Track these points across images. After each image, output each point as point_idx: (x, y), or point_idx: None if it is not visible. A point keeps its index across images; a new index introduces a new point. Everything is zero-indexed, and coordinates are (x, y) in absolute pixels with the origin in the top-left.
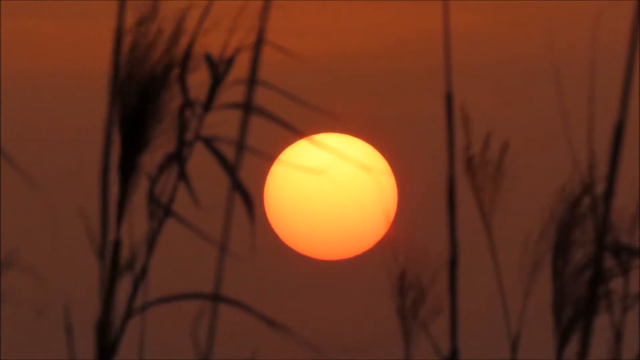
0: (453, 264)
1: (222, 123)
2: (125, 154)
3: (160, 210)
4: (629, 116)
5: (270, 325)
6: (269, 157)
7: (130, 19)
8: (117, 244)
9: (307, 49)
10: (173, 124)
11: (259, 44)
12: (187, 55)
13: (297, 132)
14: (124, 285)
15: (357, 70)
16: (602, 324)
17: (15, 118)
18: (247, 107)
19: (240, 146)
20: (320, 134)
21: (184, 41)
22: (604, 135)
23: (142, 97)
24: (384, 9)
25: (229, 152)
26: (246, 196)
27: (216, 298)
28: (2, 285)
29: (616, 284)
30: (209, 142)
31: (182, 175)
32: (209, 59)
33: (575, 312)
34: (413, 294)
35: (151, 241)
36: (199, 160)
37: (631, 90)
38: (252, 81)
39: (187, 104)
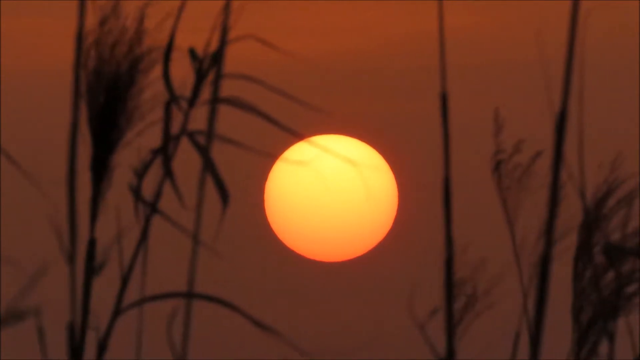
0: (449, 264)
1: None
2: (97, 154)
3: (147, 208)
4: (570, 106)
5: (259, 327)
6: (269, 157)
7: (93, 19)
8: (92, 244)
9: (305, 49)
10: (158, 119)
11: (223, 41)
12: (169, 50)
13: (295, 133)
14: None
15: (355, 70)
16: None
17: (15, 117)
18: (234, 103)
19: (210, 137)
20: (320, 136)
21: (149, 38)
22: (600, 135)
23: (110, 96)
24: (381, 9)
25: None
26: (222, 188)
27: (206, 298)
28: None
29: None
30: (192, 137)
31: (168, 172)
32: (193, 53)
33: (595, 314)
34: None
35: (140, 239)
36: (185, 158)
37: (572, 81)
38: (217, 77)
39: (172, 99)
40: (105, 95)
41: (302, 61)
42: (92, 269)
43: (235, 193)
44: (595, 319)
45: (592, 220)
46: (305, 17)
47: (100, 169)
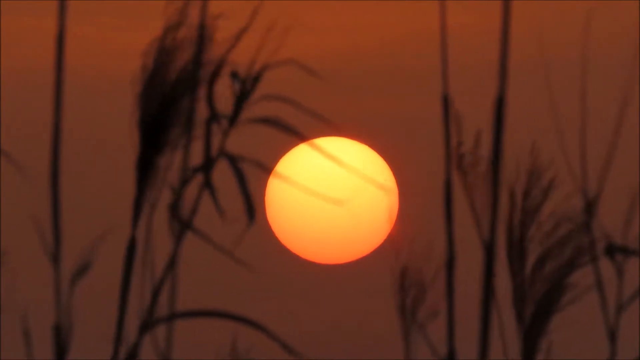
0: (450, 266)
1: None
2: (144, 154)
3: (182, 224)
4: (508, 91)
5: (278, 342)
6: (267, 169)
7: (159, 23)
8: (132, 244)
9: (302, 49)
10: (198, 136)
11: (201, 42)
12: (216, 70)
13: (300, 137)
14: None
15: (354, 70)
16: (599, 324)
17: (15, 116)
18: (267, 122)
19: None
20: (319, 138)
21: (212, 50)
22: (598, 134)
23: (165, 100)
24: (381, 9)
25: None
26: (251, 211)
27: (229, 316)
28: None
29: (612, 284)
30: (232, 159)
31: (209, 189)
32: (235, 75)
33: (537, 309)
34: (414, 291)
35: (173, 255)
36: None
37: (508, 65)
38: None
39: (214, 117)
40: (160, 98)
41: (301, 62)
42: (130, 270)
43: (236, 195)
44: (537, 314)
45: (523, 212)
46: (304, 17)
47: (146, 169)
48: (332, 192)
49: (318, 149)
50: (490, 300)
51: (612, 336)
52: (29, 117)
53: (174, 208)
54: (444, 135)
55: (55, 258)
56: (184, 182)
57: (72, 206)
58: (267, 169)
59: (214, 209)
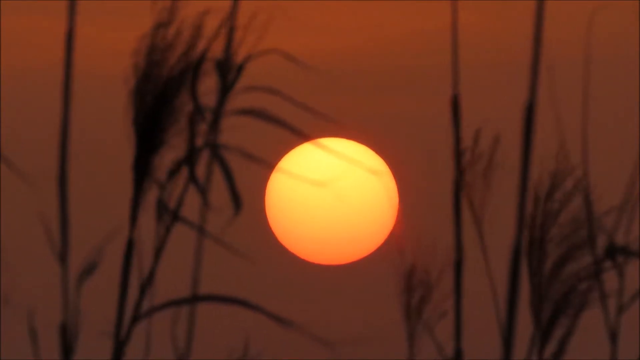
0: (458, 266)
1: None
2: (140, 154)
3: (169, 215)
4: (538, 98)
5: (280, 323)
6: (269, 165)
7: (149, 21)
8: (130, 244)
9: (305, 48)
10: (184, 129)
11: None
12: (200, 62)
13: (301, 134)
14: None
15: (355, 71)
16: (598, 323)
17: (15, 116)
18: (255, 114)
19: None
20: (318, 139)
21: (201, 46)
22: (599, 134)
23: (159, 99)
24: (383, 8)
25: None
26: (237, 197)
27: (229, 300)
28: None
29: (612, 284)
30: (215, 150)
31: (193, 180)
32: (218, 65)
33: (555, 310)
34: (419, 292)
35: (159, 246)
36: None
37: (539, 73)
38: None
39: (197, 110)
40: (154, 97)
41: (303, 61)
42: (128, 270)
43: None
44: (556, 315)
45: (543, 214)
46: (305, 16)
47: (143, 169)
48: (329, 191)
49: (319, 145)
50: (515, 303)
51: (613, 337)
52: (28, 117)
53: (160, 199)
54: (454, 135)
55: (63, 258)
56: (171, 174)
57: (73, 205)
58: (260, 161)
59: (201, 201)
